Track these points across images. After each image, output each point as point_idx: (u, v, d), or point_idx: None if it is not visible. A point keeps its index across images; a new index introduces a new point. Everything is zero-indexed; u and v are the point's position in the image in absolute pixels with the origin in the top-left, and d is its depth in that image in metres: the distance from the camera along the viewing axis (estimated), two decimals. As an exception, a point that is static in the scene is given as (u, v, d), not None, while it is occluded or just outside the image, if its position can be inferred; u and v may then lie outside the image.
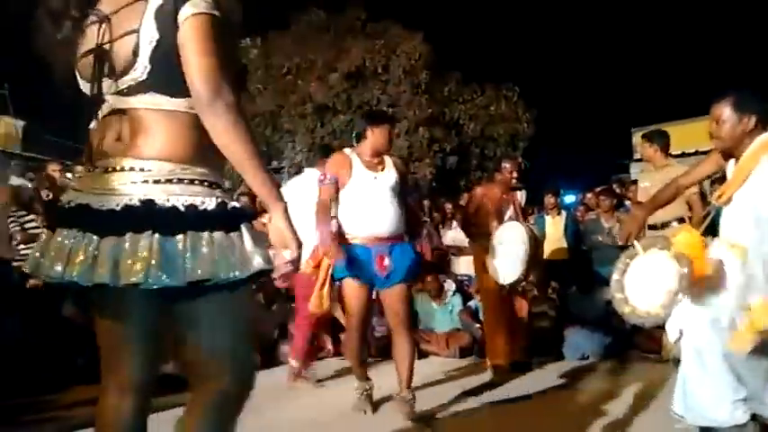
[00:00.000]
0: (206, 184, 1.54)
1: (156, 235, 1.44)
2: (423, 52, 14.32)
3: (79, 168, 1.70)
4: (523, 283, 4.82)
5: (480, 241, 5.00)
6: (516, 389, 4.39)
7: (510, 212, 5.05)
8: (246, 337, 1.71)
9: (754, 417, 2.67)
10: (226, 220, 1.52)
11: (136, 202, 1.46)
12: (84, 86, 1.60)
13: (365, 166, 3.71)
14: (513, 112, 15.36)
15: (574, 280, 6.20)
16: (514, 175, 5.04)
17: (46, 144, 12.56)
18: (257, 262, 1.51)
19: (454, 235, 7.11)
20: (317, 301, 3.86)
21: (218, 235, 1.49)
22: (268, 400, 4.04)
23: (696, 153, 9.85)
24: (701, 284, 2.65)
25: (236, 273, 1.48)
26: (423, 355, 5.73)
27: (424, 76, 14.29)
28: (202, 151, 1.54)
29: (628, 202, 6.65)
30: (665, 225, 4.92)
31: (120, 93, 1.54)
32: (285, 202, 1.59)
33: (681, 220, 4.87)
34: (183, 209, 1.48)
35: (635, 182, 6.42)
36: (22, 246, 5.14)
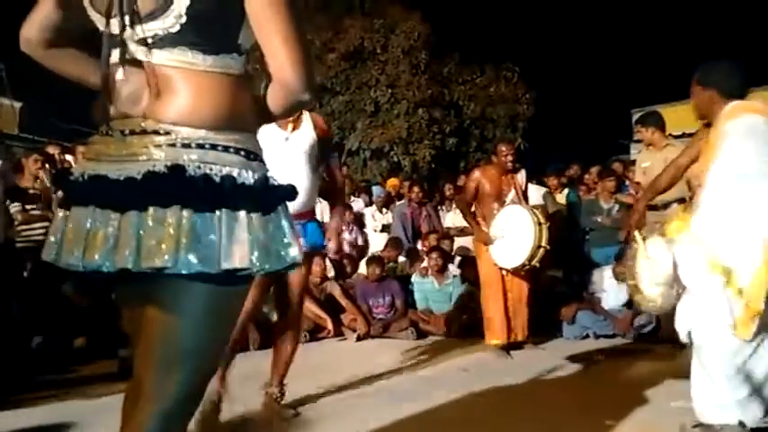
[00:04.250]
0: (242, 153, 1.28)
1: (186, 209, 1.19)
2: (422, 32, 14.20)
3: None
4: (526, 267, 4.85)
5: (480, 222, 5.03)
6: (514, 369, 4.41)
7: (512, 195, 5.05)
8: (213, 359, 1.39)
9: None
10: (264, 198, 1.28)
11: (161, 168, 1.20)
12: (98, 21, 1.31)
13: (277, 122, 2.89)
14: (513, 92, 15.26)
15: (570, 259, 6.23)
16: (509, 158, 5.02)
17: (44, 126, 12.50)
18: (292, 254, 1.29)
19: (453, 217, 7.12)
20: None
21: (255, 216, 1.25)
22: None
23: (697, 133, 9.81)
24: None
25: (272, 264, 1.26)
26: (422, 335, 5.78)
27: (423, 56, 14.18)
28: (239, 117, 1.30)
29: (628, 183, 6.65)
30: (665, 206, 4.92)
31: (142, 42, 1.26)
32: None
33: (681, 201, 4.87)
34: (218, 180, 1.22)
35: (634, 162, 6.42)
36: (22, 226, 5.14)
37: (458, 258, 6.56)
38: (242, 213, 1.23)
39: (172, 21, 1.24)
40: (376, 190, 8.32)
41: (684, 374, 4.00)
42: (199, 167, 1.22)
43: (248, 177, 1.26)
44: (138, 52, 1.27)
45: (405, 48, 14.08)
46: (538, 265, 4.95)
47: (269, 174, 1.32)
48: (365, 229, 7.46)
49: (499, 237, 4.86)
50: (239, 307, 1.41)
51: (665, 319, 5.00)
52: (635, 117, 14.02)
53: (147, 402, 1.28)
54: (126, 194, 1.21)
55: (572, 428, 3.14)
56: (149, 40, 1.26)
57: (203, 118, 1.26)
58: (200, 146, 1.24)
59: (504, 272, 4.95)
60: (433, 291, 6.09)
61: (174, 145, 1.23)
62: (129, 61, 1.28)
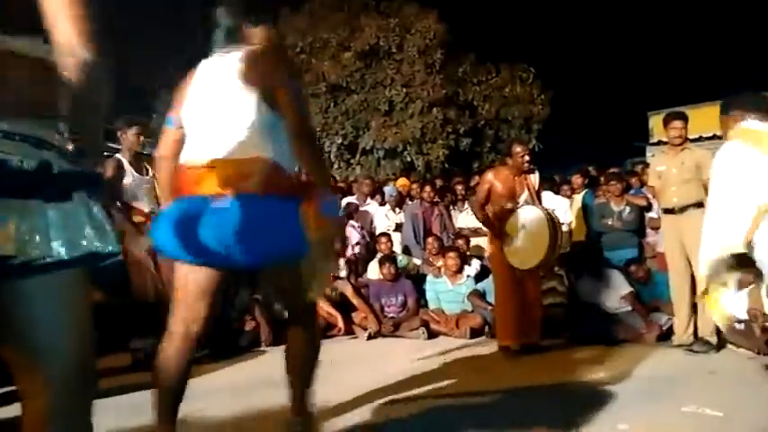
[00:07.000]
0: (31, 141, 1.22)
1: None
2: (437, 31, 14.21)
3: None
4: (541, 268, 4.84)
5: (494, 223, 5.01)
6: (525, 371, 4.39)
7: (525, 196, 5.03)
8: (83, 336, 1.35)
9: None
10: (48, 186, 1.21)
11: None
12: None
13: None
14: (529, 93, 15.24)
15: (584, 262, 6.19)
16: (525, 159, 5.00)
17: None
18: (89, 243, 1.24)
19: (466, 218, 7.09)
20: None
21: (34, 204, 1.18)
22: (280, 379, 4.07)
23: (713, 137, 9.72)
24: None
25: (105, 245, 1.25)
26: (433, 335, 5.77)
27: (438, 55, 14.19)
28: (24, 102, 1.23)
29: (645, 188, 6.60)
30: (682, 210, 4.87)
31: None
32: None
33: (699, 205, 4.81)
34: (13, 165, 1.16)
35: (649, 165, 6.37)
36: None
37: (476, 261, 6.53)
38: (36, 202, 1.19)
39: None
40: (388, 189, 8.32)
41: (696, 379, 3.99)
42: None
43: (29, 163, 1.19)
44: None
45: (420, 47, 14.09)
46: (554, 265, 4.91)
47: (62, 163, 1.26)
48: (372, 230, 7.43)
49: (514, 237, 4.84)
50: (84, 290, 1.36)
51: (677, 323, 4.97)
52: (651, 119, 13.93)
53: (34, 403, 1.28)
54: None
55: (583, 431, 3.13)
56: None
57: None
58: None
59: (517, 273, 4.93)
60: (446, 291, 6.08)
61: None
62: None
